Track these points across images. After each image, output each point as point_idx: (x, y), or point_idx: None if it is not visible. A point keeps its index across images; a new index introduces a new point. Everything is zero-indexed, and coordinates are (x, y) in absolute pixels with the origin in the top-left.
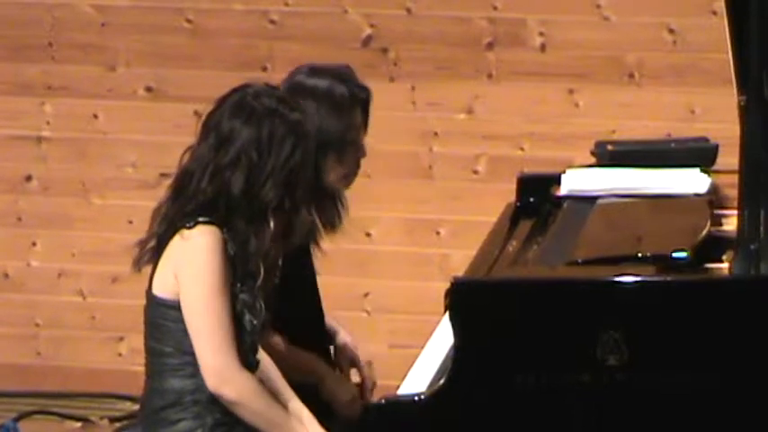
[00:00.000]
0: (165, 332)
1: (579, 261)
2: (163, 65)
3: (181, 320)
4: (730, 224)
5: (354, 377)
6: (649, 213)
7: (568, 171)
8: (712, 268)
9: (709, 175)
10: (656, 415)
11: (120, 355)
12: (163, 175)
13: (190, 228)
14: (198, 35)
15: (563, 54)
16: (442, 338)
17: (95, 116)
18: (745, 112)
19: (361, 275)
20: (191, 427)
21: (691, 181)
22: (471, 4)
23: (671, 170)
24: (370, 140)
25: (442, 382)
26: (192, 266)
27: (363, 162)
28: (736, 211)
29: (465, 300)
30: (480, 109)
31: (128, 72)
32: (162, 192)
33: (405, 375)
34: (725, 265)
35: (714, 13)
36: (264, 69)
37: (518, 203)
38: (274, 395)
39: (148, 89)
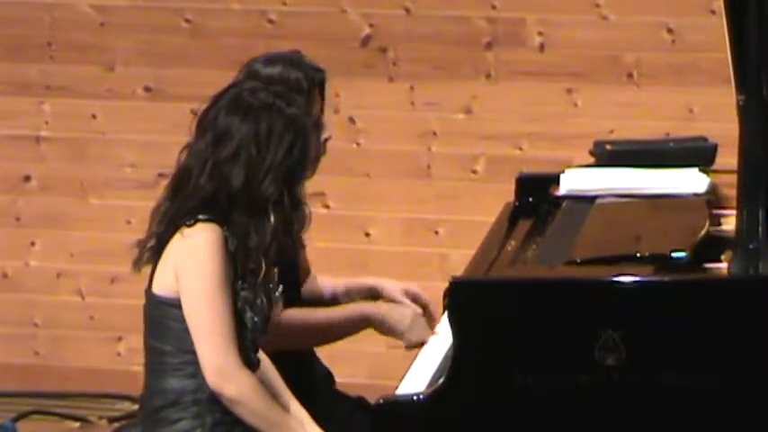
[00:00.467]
0: (165, 331)
1: (578, 261)
2: (161, 65)
3: (181, 319)
4: (729, 224)
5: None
6: (648, 213)
7: (567, 171)
8: (711, 268)
9: (707, 175)
10: (656, 415)
11: (118, 354)
12: (161, 174)
13: (190, 226)
14: (196, 35)
15: (562, 54)
16: (441, 338)
17: (94, 116)
18: (743, 112)
19: (359, 275)
20: (190, 426)
21: (689, 181)
22: (470, 3)
23: (670, 170)
24: (369, 140)
25: (440, 381)
26: (193, 264)
27: (363, 163)
28: (734, 211)
29: (464, 299)
30: (479, 109)
31: (126, 72)
32: (161, 192)
33: (403, 375)
34: (724, 265)
35: (713, 12)
36: None
37: (517, 203)
38: (274, 395)
39: (147, 89)
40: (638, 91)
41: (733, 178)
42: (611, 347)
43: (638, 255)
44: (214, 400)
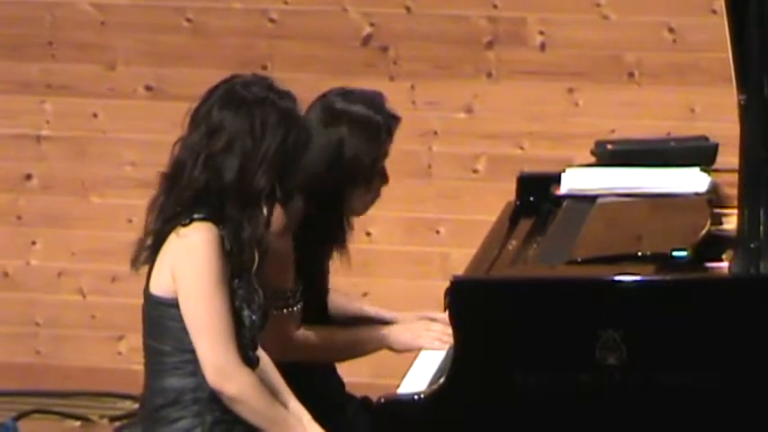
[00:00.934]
0: (163, 331)
1: (579, 260)
2: (163, 64)
3: (179, 319)
4: (730, 223)
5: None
6: (649, 212)
7: (568, 170)
8: (712, 267)
9: (708, 174)
10: (657, 414)
11: (119, 353)
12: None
13: (185, 225)
14: (198, 34)
15: (563, 53)
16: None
17: (95, 115)
18: (744, 111)
19: (360, 275)
20: (190, 425)
21: (691, 180)
22: (471, 2)
23: (671, 169)
24: None
25: (441, 381)
26: (190, 264)
27: None
28: (735, 210)
29: (465, 299)
30: (480, 108)
31: (127, 71)
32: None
33: (404, 374)
34: (725, 264)
35: (714, 12)
36: (264, 68)
37: (518, 202)
38: (273, 394)
39: (148, 88)
40: (640, 90)
41: (734, 177)
42: (612, 347)
43: (640, 254)
44: (214, 399)
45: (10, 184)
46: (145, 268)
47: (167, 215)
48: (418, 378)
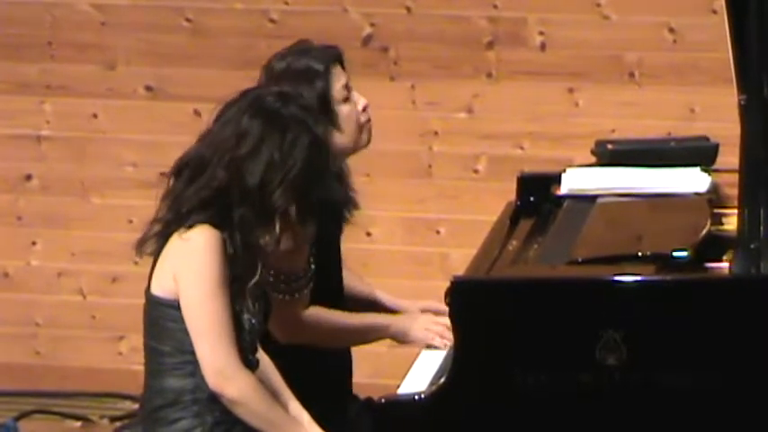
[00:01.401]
0: (164, 331)
1: (579, 260)
2: (162, 64)
3: (180, 320)
4: (730, 223)
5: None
6: (649, 212)
7: (568, 170)
8: (712, 267)
9: (709, 174)
10: (657, 414)
11: (119, 354)
12: (163, 174)
13: (189, 228)
14: (198, 34)
15: (563, 53)
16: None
17: (95, 115)
18: (745, 111)
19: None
20: (190, 425)
21: (691, 180)
22: (471, 3)
23: (671, 169)
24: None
25: (442, 381)
26: (191, 266)
27: (364, 162)
28: (736, 211)
29: (465, 299)
30: (480, 108)
31: (127, 71)
32: (161, 191)
33: (405, 374)
34: (725, 265)
35: (714, 12)
36: None
37: (518, 203)
38: (274, 396)
39: (148, 88)
40: (640, 90)
41: (734, 178)
42: (613, 347)
43: (640, 254)
44: (214, 400)
45: (10, 184)
46: (146, 269)
47: (179, 208)
48: (419, 378)
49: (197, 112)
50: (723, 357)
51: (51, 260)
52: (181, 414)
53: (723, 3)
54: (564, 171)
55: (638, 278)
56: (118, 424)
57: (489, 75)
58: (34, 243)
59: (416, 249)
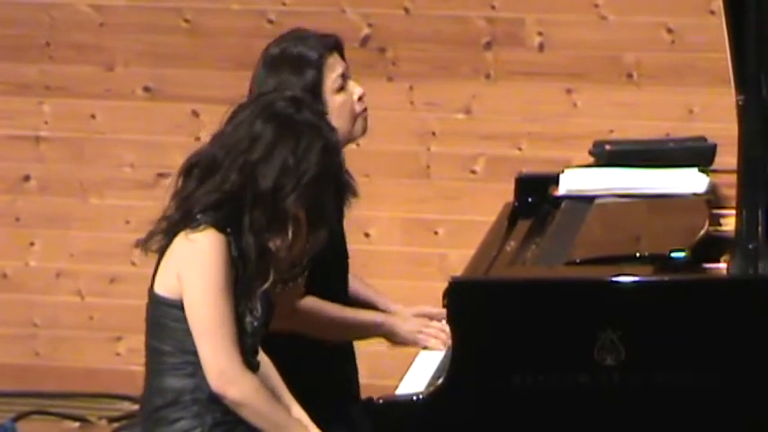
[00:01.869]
0: (165, 331)
1: (577, 261)
2: (161, 65)
3: (182, 320)
4: (729, 224)
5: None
6: (647, 213)
7: (567, 171)
8: (710, 268)
9: (707, 175)
10: (655, 415)
11: (118, 354)
12: (161, 174)
13: (195, 228)
14: (196, 35)
15: (561, 54)
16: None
17: (93, 116)
18: (743, 112)
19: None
20: (190, 426)
21: (689, 181)
22: (469, 3)
23: (669, 170)
24: (368, 140)
25: (440, 381)
26: (196, 268)
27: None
28: (734, 211)
29: (463, 300)
30: (478, 109)
31: (126, 72)
32: (160, 191)
33: (403, 375)
34: (723, 265)
35: (712, 12)
36: None
37: (516, 203)
38: (274, 397)
39: (146, 89)
40: (638, 91)
41: (732, 178)
42: (611, 348)
43: (638, 255)
44: (214, 400)
45: (8, 185)
46: (146, 270)
47: (189, 208)
48: (417, 379)
49: (195, 113)
50: (721, 358)
51: (50, 261)
52: (181, 414)
53: (721, 3)
54: (562, 172)
55: (637, 279)
56: (116, 425)
57: (487, 75)
58: (33, 244)
59: (415, 250)
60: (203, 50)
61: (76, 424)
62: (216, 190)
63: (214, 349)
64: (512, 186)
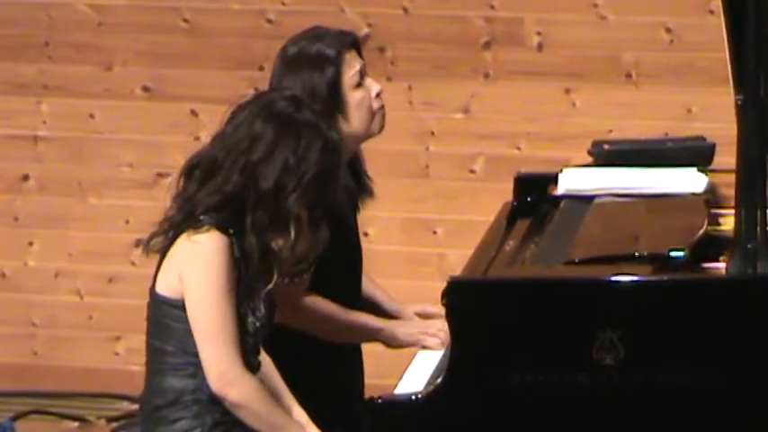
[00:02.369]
0: (167, 331)
1: (576, 260)
2: (160, 64)
3: (184, 320)
4: (727, 223)
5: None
6: (646, 213)
7: (565, 170)
8: (709, 267)
9: (706, 175)
10: (654, 414)
11: (116, 354)
12: (160, 174)
13: (197, 229)
14: (195, 35)
15: (560, 53)
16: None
17: (92, 116)
18: (742, 111)
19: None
20: (190, 426)
21: (688, 180)
22: (468, 3)
23: (668, 169)
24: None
25: (438, 381)
26: (198, 269)
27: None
28: (733, 211)
29: (462, 299)
30: (477, 108)
31: (124, 72)
32: (159, 191)
33: (402, 374)
34: (722, 265)
35: (711, 12)
36: (261, 69)
37: (515, 203)
38: (275, 397)
39: (145, 89)
40: (637, 91)
41: (731, 178)
42: (609, 347)
43: (637, 254)
44: (214, 401)
45: (7, 184)
46: (145, 270)
47: (191, 210)
48: (416, 378)
49: (194, 113)
50: (720, 357)
51: (48, 260)
52: (181, 414)
53: (720, 3)
54: (561, 171)
55: (635, 278)
56: (115, 424)
57: (486, 75)
58: (31, 243)
59: (413, 249)
60: (202, 50)
61: (75, 423)
62: (217, 191)
63: (215, 351)
64: (510, 186)
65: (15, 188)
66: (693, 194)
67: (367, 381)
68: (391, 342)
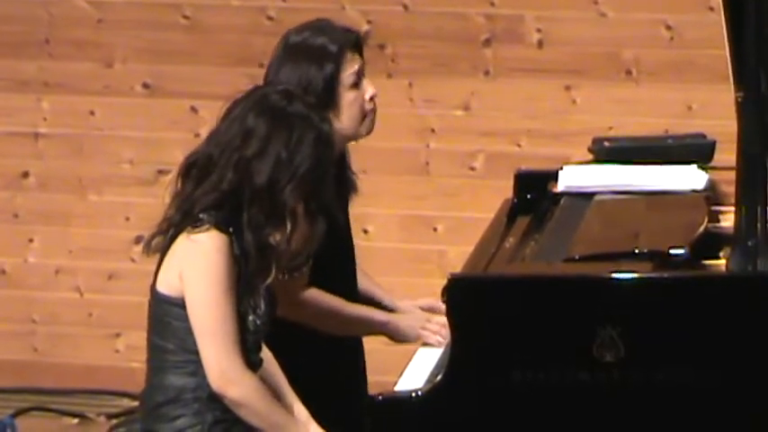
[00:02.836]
0: (168, 329)
1: (576, 257)
2: (160, 61)
3: (184, 318)
4: (728, 220)
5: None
6: (647, 210)
7: (566, 167)
8: (709, 265)
9: (706, 172)
10: (655, 411)
11: (116, 351)
12: (160, 171)
13: (197, 228)
14: (195, 31)
15: (560, 50)
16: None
17: (92, 113)
18: (742, 109)
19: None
20: (190, 423)
21: (688, 177)
22: (468, 0)
23: (668, 166)
24: (367, 137)
25: (439, 378)
26: (198, 268)
27: (361, 159)
28: (733, 208)
29: (462, 296)
30: (477, 105)
31: (124, 68)
32: (159, 188)
33: (402, 372)
34: (722, 262)
35: (711, 9)
36: (261, 66)
37: (515, 200)
38: (276, 394)
39: (145, 85)
40: (637, 88)
41: (731, 175)
42: (610, 344)
43: (637, 251)
44: (214, 399)
45: (7, 181)
46: (146, 267)
47: (189, 210)
48: (416, 375)
49: (194, 109)
50: (720, 354)
51: (49, 257)
52: (181, 411)
53: (720, 0)
54: (561, 168)
55: (636, 275)
56: (115, 421)
57: (486, 72)
58: (31, 240)
59: (413, 246)
60: (202, 47)
61: (75, 420)
62: (214, 189)
63: (215, 349)
64: (511, 183)
65: (16, 185)
66: (694, 191)
67: (367, 378)
68: (395, 335)
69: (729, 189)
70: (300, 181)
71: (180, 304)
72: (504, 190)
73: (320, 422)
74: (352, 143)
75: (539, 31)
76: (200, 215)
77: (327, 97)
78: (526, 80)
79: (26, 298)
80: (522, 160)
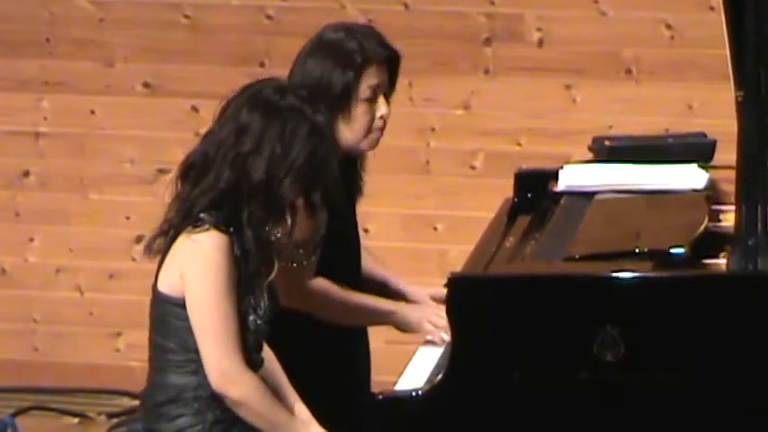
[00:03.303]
0: (169, 328)
1: (577, 256)
2: (160, 60)
3: (185, 318)
4: (728, 220)
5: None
6: (647, 209)
7: (566, 166)
8: (710, 264)
9: (706, 171)
10: (655, 410)
11: (117, 350)
12: (161, 170)
13: (197, 227)
14: (196, 31)
15: (560, 49)
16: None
17: (93, 112)
18: (742, 108)
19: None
20: (190, 422)
21: (688, 176)
22: None
23: (668, 166)
24: None
25: (439, 377)
26: (198, 268)
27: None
28: (733, 207)
29: (462, 295)
30: (478, 104)
31: (125, 68)
32: (160, 187)
33: (402, 371)
34: (722, 261)
35: (711, 8)
36: (262, 65)
37: (515, 199)
38: (277, 394)
39: (146, 85)
40: (637, 87)
41: (732, 174)
42: (610, 343)
43: (637, 250)
44: (215, 398)
45: (8, 180)
46: (146, 266)
47: (189, 210)
48: (416, 374)
49: (195, 109)
50: (720, 354)
51: (49, 256)
52: (182, 411)
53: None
54: (561, 167)
55: (636, 275)
56: (115, 420)
57: (487, 71)
58: (32, 239)
59: (414, 246)
60: (203, 46)
61: (76, 419)
62: (212, 188)
63: (216, 349)
64: (511, 182)
65: (16, 184)
66: (694, 191)
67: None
68: (402, 325)
69: (730, 188)
70: (297, 174)
71: (181, 304)
72: (504, 189)
73: (320, 421)
74: None
75: (539, 30)
76: (201, 215)
77: (342, 102)
78: (526, 79)
79: (27, 297)
80: (522, 159)
